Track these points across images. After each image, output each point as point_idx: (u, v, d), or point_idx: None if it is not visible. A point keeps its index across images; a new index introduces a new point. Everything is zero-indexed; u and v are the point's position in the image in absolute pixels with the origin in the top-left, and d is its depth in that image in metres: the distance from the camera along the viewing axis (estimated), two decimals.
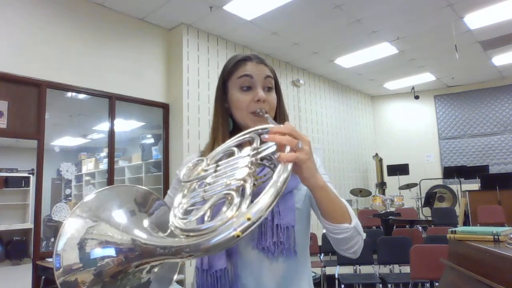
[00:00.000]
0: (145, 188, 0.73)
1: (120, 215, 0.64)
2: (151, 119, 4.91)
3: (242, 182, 0.64)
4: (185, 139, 4.53)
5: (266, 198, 0.57)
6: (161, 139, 4.78)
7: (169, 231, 0.67)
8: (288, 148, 0.67)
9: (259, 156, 0.68)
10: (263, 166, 0.72)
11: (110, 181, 4.17)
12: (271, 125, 0.79)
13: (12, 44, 3.48)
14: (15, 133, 3.53)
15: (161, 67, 4.76)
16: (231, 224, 0.54)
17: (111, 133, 4.22)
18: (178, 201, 0.71)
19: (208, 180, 0.71)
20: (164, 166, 4.69)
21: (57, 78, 3.75)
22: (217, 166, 0.74)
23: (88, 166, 5.05)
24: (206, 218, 0.64)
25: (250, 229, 0.54)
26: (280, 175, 0.62)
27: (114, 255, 0.59)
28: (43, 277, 3.42)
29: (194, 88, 4.72)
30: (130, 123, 4.93)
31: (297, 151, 0.67)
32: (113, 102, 4.23)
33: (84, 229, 0.61)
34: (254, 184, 0.64)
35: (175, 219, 0.64)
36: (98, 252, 0.59)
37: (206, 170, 0.76)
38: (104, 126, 4.30)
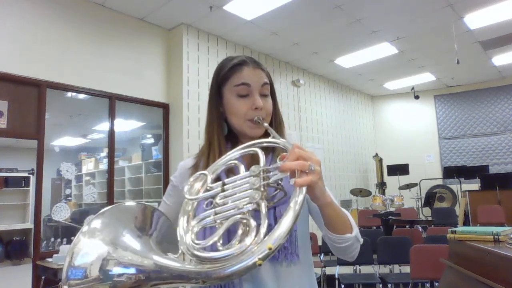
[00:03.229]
0: (139, 202, 0.72)
1: (129, 238, 0.63)
2: (151, 119, 4.91)
3: (255, 205, 0.64)
4: (185, 139, 4.53)
5: (285, 224, 0.58)
6: (161, 139, 4.78)
7: (179, 252, 0.66)
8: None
9: (271, 180, 0.68)
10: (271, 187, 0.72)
11: (110, 181, 4.17)
12: (276, 140, 0.78)
13: (12, 44, 3.48)
14: (15, 133, 3.53)
15: (161, 67, 4.76)
16: (251, 251, 0.55)
17: (111, 133, 4.22)
18: (183, 223, 0.70)
19: (217, 200, 0.70)
20: (164, 166, 4.69)
21: (57, 78, 3.75)
22: (224, 184, 0.72)
23: (88, 166, 5.06)
24: (219, 244, 0.64)
25: (269, 256, 0.55)
26: (296, 200, 0.62)
27: (133, 273, 0.59)
28: (43, 277, 3.42)
29: (194, 88, 4.72)
30: (130, 123, 4.92)
31: (309, 174, 0.66)
32: (113, 102, 4.23)
33: (99, 250, 0.60)
34: (266, 207, 0.64)
35: (189, 247, 0.64)
36: (117, 270, 0.59)
37: (211, 188, 0.74)
38: (104, 126, 4.30)
